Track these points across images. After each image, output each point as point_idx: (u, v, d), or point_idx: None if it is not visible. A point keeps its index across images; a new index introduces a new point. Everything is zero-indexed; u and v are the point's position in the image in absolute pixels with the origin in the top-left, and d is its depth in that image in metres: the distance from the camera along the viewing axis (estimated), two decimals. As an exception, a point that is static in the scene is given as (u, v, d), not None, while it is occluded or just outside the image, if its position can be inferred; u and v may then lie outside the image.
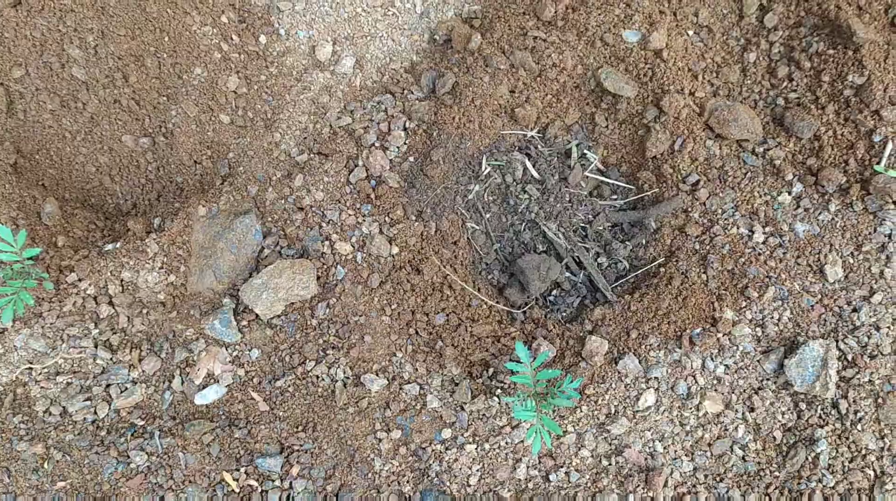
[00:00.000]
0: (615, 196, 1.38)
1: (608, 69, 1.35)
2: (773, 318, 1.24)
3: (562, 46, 1.36)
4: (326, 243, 1.32)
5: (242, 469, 1.25)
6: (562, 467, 1.22)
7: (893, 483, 1.16)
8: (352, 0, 1.49)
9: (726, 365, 1.24)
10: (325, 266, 1.32)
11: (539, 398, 1.15)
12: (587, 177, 1.38)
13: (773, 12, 1.40)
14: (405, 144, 1.37)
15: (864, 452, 1.18)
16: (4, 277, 1.31)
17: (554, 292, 1.35)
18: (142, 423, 1.29)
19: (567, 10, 1.40)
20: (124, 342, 1.35)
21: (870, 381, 1.19)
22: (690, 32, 1.40)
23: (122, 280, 1.37)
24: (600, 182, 1.39)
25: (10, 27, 1.46)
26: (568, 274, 1.34)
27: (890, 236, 1.23)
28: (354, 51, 1.48)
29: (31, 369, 1.33)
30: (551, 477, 1.22)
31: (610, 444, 1.23)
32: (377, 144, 1.37)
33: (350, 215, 1.33)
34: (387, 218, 1.33)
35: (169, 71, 1.48)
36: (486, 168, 1.36)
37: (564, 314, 1.34)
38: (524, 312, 1.33)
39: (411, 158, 1.35)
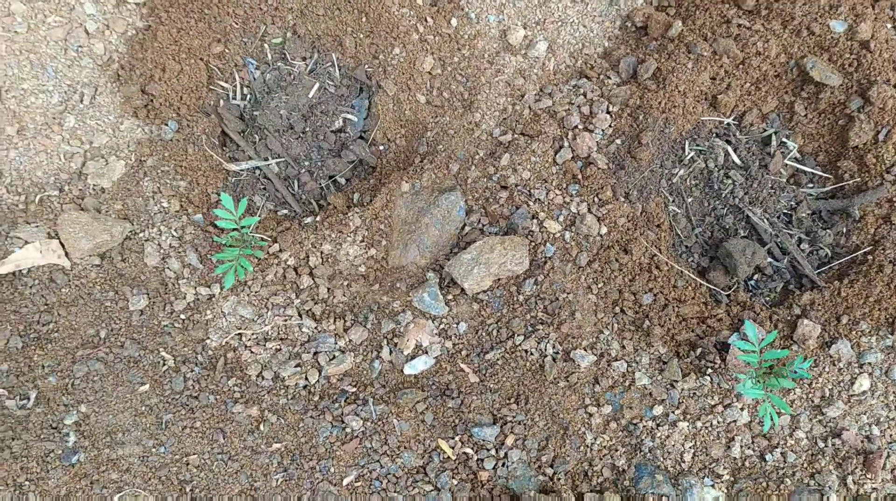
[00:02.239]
0: (811, 184, 1.42)
1: (814, 58, 1.39)
2: None
3: (766, 35, 1.40)
4: (534, 221, 1.37)
5: (458, 438, 1.30)
6: (776, 447, 1.26)
7: None
8: (542, -14, 1.54)
9: (940, 353, 1.27)
10: (533, 244, 1.37)
11: (763, 377, 1.19)
12: (786, 164, 1.41)
13: (973, 7, 1.42)
14: (610, 126, 1.42)
15: None
16: (225, 244, 1.37)
17: (755, 276, 1.39)
18: (353, 390, 1.35)
19: (769, -1, 1.44)
20: (327, 312, 1.41)
21: None
22: (889, 26, 1.43)
23: (322, 253, 1.43)
24: (797, 170, 1.42)
25: (214, 5, 1.53)
26: (770, 259, 1.38)
27: None
28: (546, 35, 1.53)
29: (240, 334, 1.39)
30: (767, 457, 1.26)
31: (825, 426, 1.27)
32: (581, 127, 1.42)
33: (557, 194, 1.38)
34: (595, 198, 1.37)
35: (366, 51, 1.53)
36: (689, 153, 1.40)
37: (767, 298, 1.39)
38: (728, 295, 1.36)
39: (618, 141, 1.41)
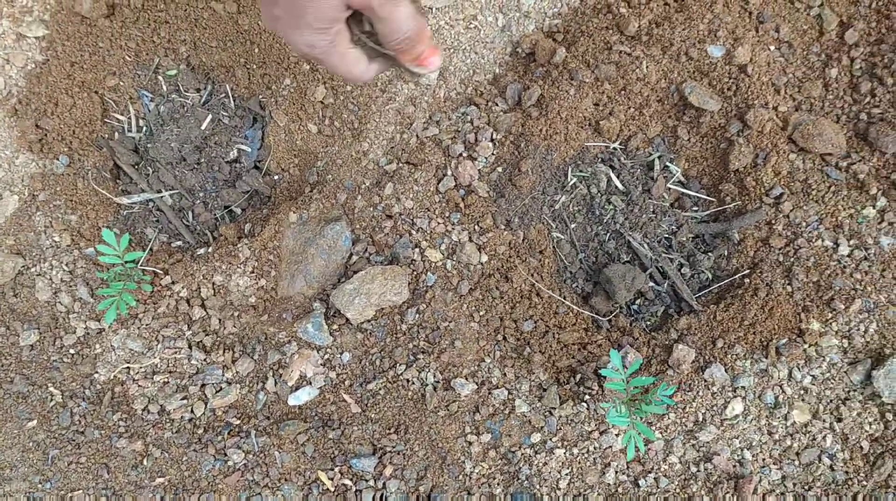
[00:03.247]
0: (696, 208, 1.44)
1: (693, 83, 1.41)
2: (859, 330, 1.29)
3: (646, 61, 1.42)
4: (416, 250, 1.39)
5: (337, 469, 1.31)
6: (650, 472, 1.28)
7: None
8: (434, 13, 1.56)
9: (813, 375, 1.29)
10: (415, 273, 1.39)
11: (632, 404, 1.21)
12: (669, 189, 1.44)
13: (853, 29, 1.46)
14: (493, 154, 1.44)
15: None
16: (107, 279, 1.39)
17: (638, 301, 1.41)
18: (237, 422, 1.36)
19: (651, 24, 1.47)
20: (217, 344, 1.43)
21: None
22: (772, 48, 1.46)
23: (213, 284, 1.44)
24: (682, 194, 1.44)
25: (107, 38, 1.55)
26: (652, 284, 1.40)
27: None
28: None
29: (128, 368, 1.41)
30: (640, 483, 1.27)
31: (698, 451, 1.28)
32: (465, 155, 1.44)
33: (440, 223, 1.40)
34: (476, 226, 1.39)
35: (259, 82, 1.55)
36: (571, 179, 1.42)
37: (649, 322, 1.40)
38: (609, 320, 1.38)
39: (499, 169, 1.42)
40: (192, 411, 1.39)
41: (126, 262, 1.39)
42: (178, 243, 1.57)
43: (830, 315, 1.32)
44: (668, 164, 1.47)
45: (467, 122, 1.50)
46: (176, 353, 1.43)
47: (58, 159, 1.53)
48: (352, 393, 1.38)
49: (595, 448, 1.31)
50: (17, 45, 1.62)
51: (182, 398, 1.39)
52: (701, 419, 1.31)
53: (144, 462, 1.36)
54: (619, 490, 1.29)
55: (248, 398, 1.40)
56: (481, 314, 1.39)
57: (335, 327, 1.41)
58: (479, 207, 1.42)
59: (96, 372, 1.42)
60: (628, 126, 1.48)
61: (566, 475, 1.30)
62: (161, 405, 1.39)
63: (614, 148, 1.48)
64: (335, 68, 0.88)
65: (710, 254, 1.43)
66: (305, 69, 1.55)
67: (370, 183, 1.48)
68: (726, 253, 1.43)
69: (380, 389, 1.37)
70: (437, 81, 1.55)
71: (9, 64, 1.60)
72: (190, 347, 1.44)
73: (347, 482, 1.32)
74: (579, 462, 1.31)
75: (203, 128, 1.56)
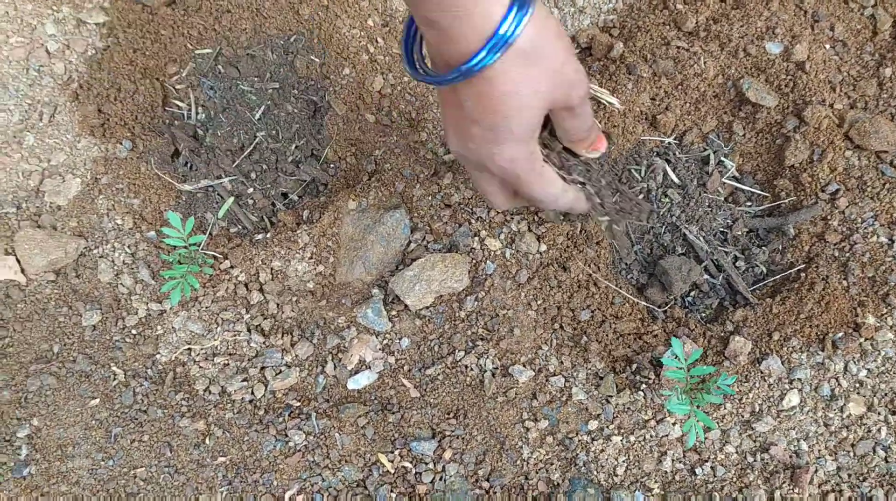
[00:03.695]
0: (749, 203, 1.46)
1: (750, 79, 1.43)
2: (914, 325, 1.31)
3: (704, 56, 1.44)
4: (476, 238, 1.41)
5: (397, 452, 1.34)
6: (707, 461, 1.30)
7: None
8: (491, 7, 1.58)
9: (868, 369, 1.31)
10: (474, 261, 1.41)
11: (691, 393, 1.23)
12: (724, 183, 1.46)
13: (908, 28, 1.47)
14: (551, 146, 1.45)
15: None
16: (171, 261, 1.42)
17: (692, 293, 1.43)
18: (298, 404, 1.39)
19: (708, 21, 1.49)
20: (275, 328, 1.45)
21: None
22: (827, 46, 1.48)
23: (272, 269, 1.47)
24: (736, 189, 1.46)
25: (169, 26, 1.58)
26: (707, 276, 1.42)
27: None
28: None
29: (190, 349, 1.43)
30: (697, 471, 1.29)
31: (755, 441, 1.30)
32: (524, 146, 1.46)
33: (498, 212, 1.42)
34: (535, 217, 1.41)
35: (317, 71, 1.58)
36: (628, 172, 1.44)
37: (703, 314, 1.42)
38: (665, 311, 1.41)
39: (558, 160, 1.44)
40: (252, 392, 1.42)
41: (190, 245, 1.42)
42: (237, 228, 1.60)
43: (885, 310, 1.34)
44: (722, 159, 1.49)
45: (525, 114, 1.52)
46: (235, 336, 1.45)
47: (121, 144, 1.56)
48: (411, 378, 1.40)
49: (652, 435, 1.33)
50: (78, 31, 1.65)
51: (242, 380, 1.42)
52: (758, 409, 1.33)
53: (206, 442, 1.39)
54: (676, 477, 1.32)
55: (307, 381, 1.43)
56: (539, 302, 1.41)
57: (394, 313, 1.43)
58: (538, 197, 1.44)
59: (158, 353, 1.45)
60: (684, 121, 1.51)
61: (623, 462, 1.33)
62: (222, 386, 1.42)
63: (669, 142, 1.50)
64: (531, 187, 0.82)
65: (764, 248, 1.45)
66: (364, 59, 1.58)
67: (428, 173, 1.51)
68: (781, 247, 1.45)
69: (438, 374, 1.39)
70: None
71: (69, 49, 1.63)
72: (249, 330, 1.46)
73: (407, 464, 1.34)
74: (636, 450, 1.33)
75: (258, 118, 1.59)
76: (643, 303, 1.43)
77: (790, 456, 1.31)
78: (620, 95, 1.47)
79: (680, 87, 1.49)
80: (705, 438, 1.33)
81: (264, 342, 1.45)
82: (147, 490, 1.37)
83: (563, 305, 1.41)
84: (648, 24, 1.53)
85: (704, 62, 1.47)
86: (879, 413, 1.31)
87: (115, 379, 1.44)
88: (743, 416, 1.33)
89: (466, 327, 1.41)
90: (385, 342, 1.43)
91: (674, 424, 1.33)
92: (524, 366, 1.38)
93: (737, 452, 1.32)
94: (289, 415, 1.40)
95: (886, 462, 1.30)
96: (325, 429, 1.38)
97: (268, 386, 1.42)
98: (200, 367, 1.44)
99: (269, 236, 1.54)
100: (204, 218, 1.57)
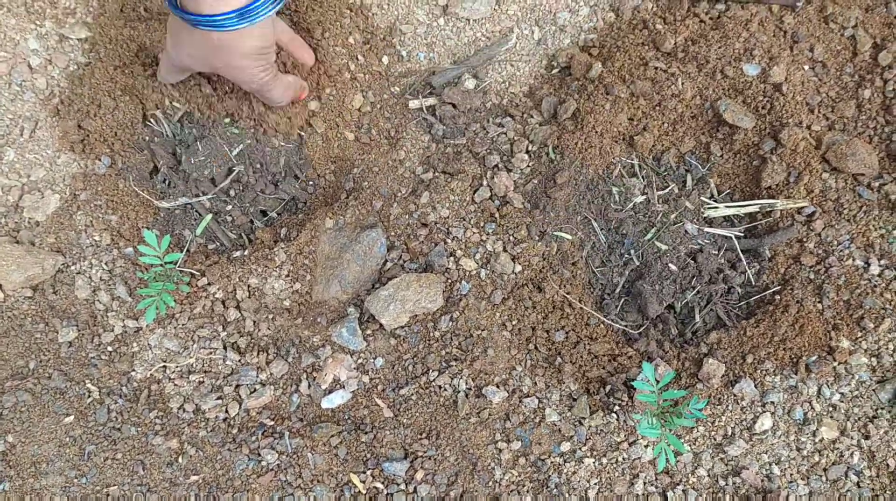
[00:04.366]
0: (726, 224, 1.46)
1: (727, 101, 1.44)
2: (888, 349, 1.32)
3: (682, 77, 1.45)
4: (451, 258, 1.42)
5: (369, 472, 1.34)
6: (679, 484, 1.30)
7: None
8: (472, 25, 1.59)
9: (842, 393, 1.31)
10: (449, 281, 1.41)
11: (662, 417, 1.23)
12: (702, 203, 1.46)
13: (887, 51, 1.48)
14: (528, 166, 1.46)
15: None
16: (147, 279, 1.42)
17: (668, 314, 1.43)
18: (271, 423, 1.39)
19: (687, 42, 1.49)
20: (251, 345, 1.46)
21: None
22: (806, 67, 1.48)
23: (249, 286, 1.48)
24: (712, 209, 1.46)
25: (150, 44, 1.58)
26: (682, 298, 1.42)
27: None
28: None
29: (165, 367, 1.44)
30: (668, 495, 1.30)
31: (727, 465, 1.30)
32: (501, 166, 1.47)
33: (475, 232, 1.43)
34: (511, 237, 1.42)
35: (297, 88, 1.58)
36: (607, 190, 1.45)
37: (679, 336, 1.42)
38: (640, 333, 1.41)
39: (535, 181, 1.45)
40: (226, 411, 1.42)
41: (166, 263, 1.42)
42: (214, 245, 1.60)
43: (860, 334, 1.35)
44: (700, 179, 1.50)
45: (503, 133, 1.53)
46: (211, 353, 1.46)
47: (100, 160, 1.57)
48: (384, 398, 1.41)
49: (624, 458, 1.34)
50: (60, 47, 1.66)
51: (217, 398, 1.43)
52: (730, 433, 1.33)
53: (179, 460, 1.40)
54: (648, 500, 1.32)
55: (281, 400, 1.43)
56: (513, 323, 1.42)
57: (369, 332, 1.44)
58: (514, 217, 1.45)
59: (133, 370, 1.46)
60: (661, 141, 1.51)
61: (595, 484, 1.33)
62: (196, 405, 1.43)
63: (647, 163, 1.51)
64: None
65: (740, 270, 1.45)
66: (346, 78, 1.58)
67: (406, 191, 1.51)
68: (757, 269, 1.45)
69: (412, 394, 1.40)
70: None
71: (51, 65, 1.64)
72: (225, 348, 1.47)
73: (379, 485, 1.35)
74: (608, 472, 1.33)
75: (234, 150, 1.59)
76: (618, 325, 1.43)
77: (762, 480, 1.31)
78: (598, 116, 1.47)
79: (658, 107, 1.49)
80: (677, 461, 1.33)
81: (240, 360, 1.45)
82: (119, 508, 1.38)
83: (538, 325, 1.42)
84: (627, 45, 1.54)
85: (682, 83, 1.48)
86: (852, 438, 1.32)
87: (89, 396, 1.45)
88: (715, 439, 1.33)
89: (441, 347, 1.41)
90: (360, 361, 1.43)
91: (646, 446, 1.33)
92: (498, 387, 1.38)
93: (709, 475, 1.32)
94: (262, 434, 1.40)
95: (859, 486, 1.30)
96: (297, 448, 1.38)
97: (242, 404, 1.42)
98: (175, 385, 1.45)
99: (246, 253, 1.54)
100: (182, 235, 1.58)
